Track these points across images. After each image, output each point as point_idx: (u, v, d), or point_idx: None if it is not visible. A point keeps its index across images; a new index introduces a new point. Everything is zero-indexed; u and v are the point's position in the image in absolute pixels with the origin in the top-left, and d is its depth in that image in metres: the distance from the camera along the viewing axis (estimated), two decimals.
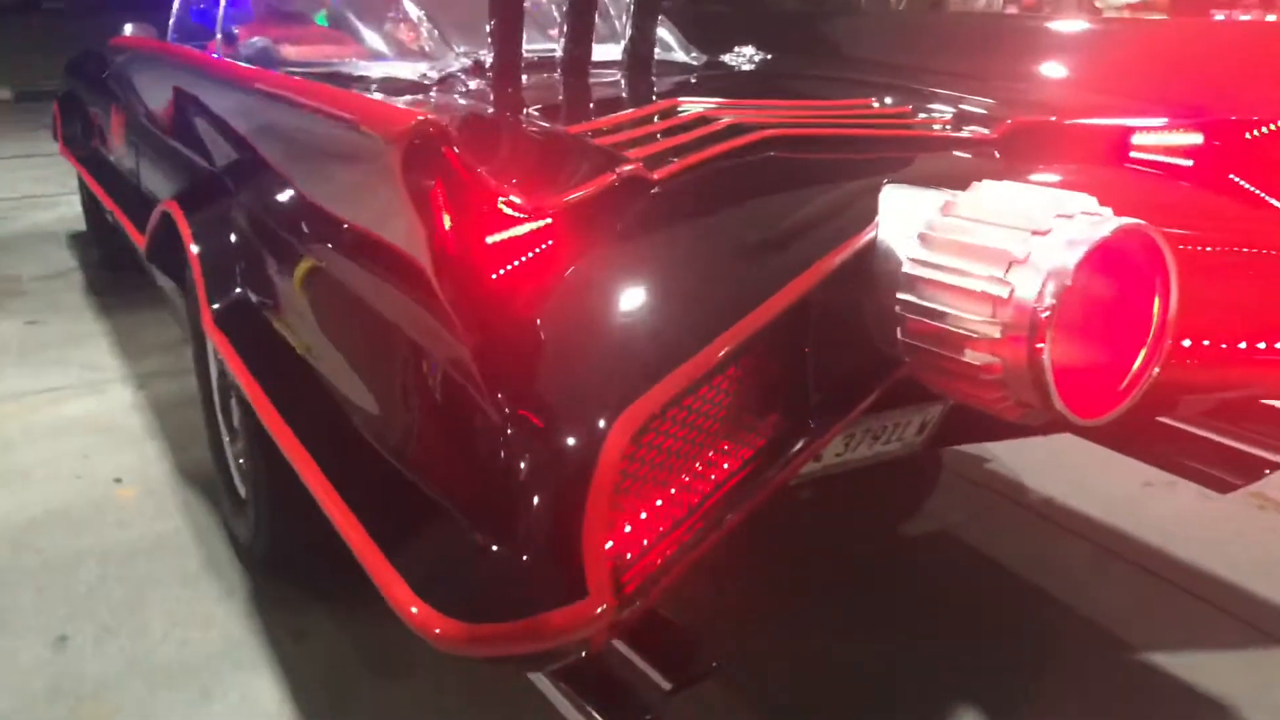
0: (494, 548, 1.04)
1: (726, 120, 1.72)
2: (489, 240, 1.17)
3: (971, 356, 1.25)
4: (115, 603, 2.13)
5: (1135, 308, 1.33)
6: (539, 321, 1.15)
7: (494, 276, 1.16)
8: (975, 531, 2.42)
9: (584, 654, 1.07)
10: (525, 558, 1.01)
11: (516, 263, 1.18)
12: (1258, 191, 1.81)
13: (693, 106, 1.87)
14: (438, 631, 1.00)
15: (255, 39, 3.09)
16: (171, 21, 3.64)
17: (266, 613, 2.09)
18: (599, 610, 0.99)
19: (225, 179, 2.14)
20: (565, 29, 2.52)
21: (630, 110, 2.10)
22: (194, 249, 2.02)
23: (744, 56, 3.09)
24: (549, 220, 1.25)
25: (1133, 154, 1.85)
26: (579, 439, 1.04)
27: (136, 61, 3.47)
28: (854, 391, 1.41)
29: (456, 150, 1.15)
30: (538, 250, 1.21)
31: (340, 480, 1.32)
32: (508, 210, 1.21)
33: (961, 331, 1.25)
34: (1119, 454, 2.09)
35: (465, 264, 1.15)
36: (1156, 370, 1.34)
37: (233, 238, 1.98)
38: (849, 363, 1.44)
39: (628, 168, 1.41)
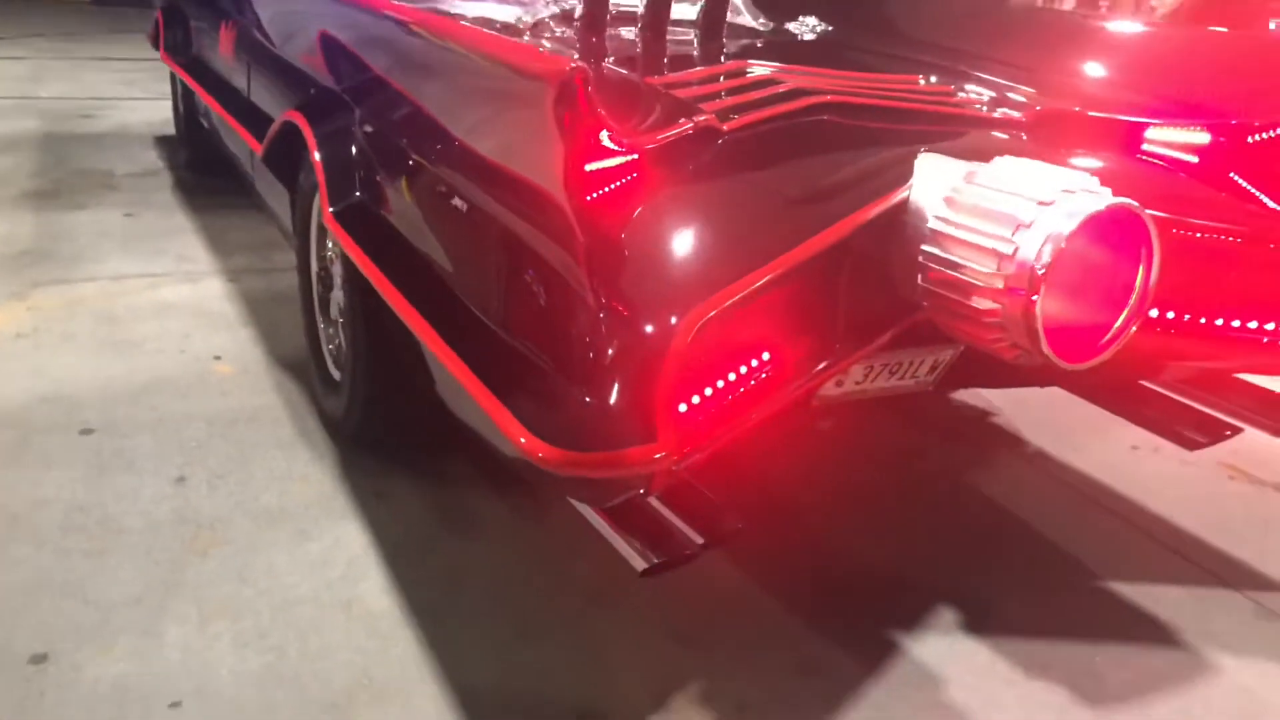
0: (587, 399, 1.34)
1: (789, 84, 1.99)
2: (598, 165, 1.46)
3: (977, 302, 1.53)
4: (222, 456, 2.47)
5: (1122, 274, 1.60)
6: (633, 232, 1.45)
7: (600, 194, 1.45)
8: (976, 473, 2.72)
9: (643, 490, 1.38)
10: (612, 406, 1.32)
11: (617, 185, 1.48)
12: (1251, 188, 2.06)
13: (758, 69, 2.15)
14: (541, 455, 1.31)
15: None
16: None
17: (353, 476, 2.42)
18: (662, 454, 1.30)
19: (349, 96, 2.43)
20: None
21: (702, 68, 2.36)
22: (317, 155, 2.32)
23: (806, 26, 3.34)
24: (641, 155, 1.54)
25: (1145, 146, 2.10)
26: (659, 323, 1.34)
27: None
28: (877, 325, 1.70)
29: (589, 91, 1.45)
30: (633, 177, 1.51)
31: (459, 345, 1.63)
32: (612, 145, 1.50)
33: (971, 281, 1.53)
34: (1110, 417, 2.37)
35: (579, 181, 1.44)
36: (1134, 329, 1.61)
37: (354, 148, 2.28)
38: (875, 300, 1.71)
39: (702, 118, 1.70)
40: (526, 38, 2.69)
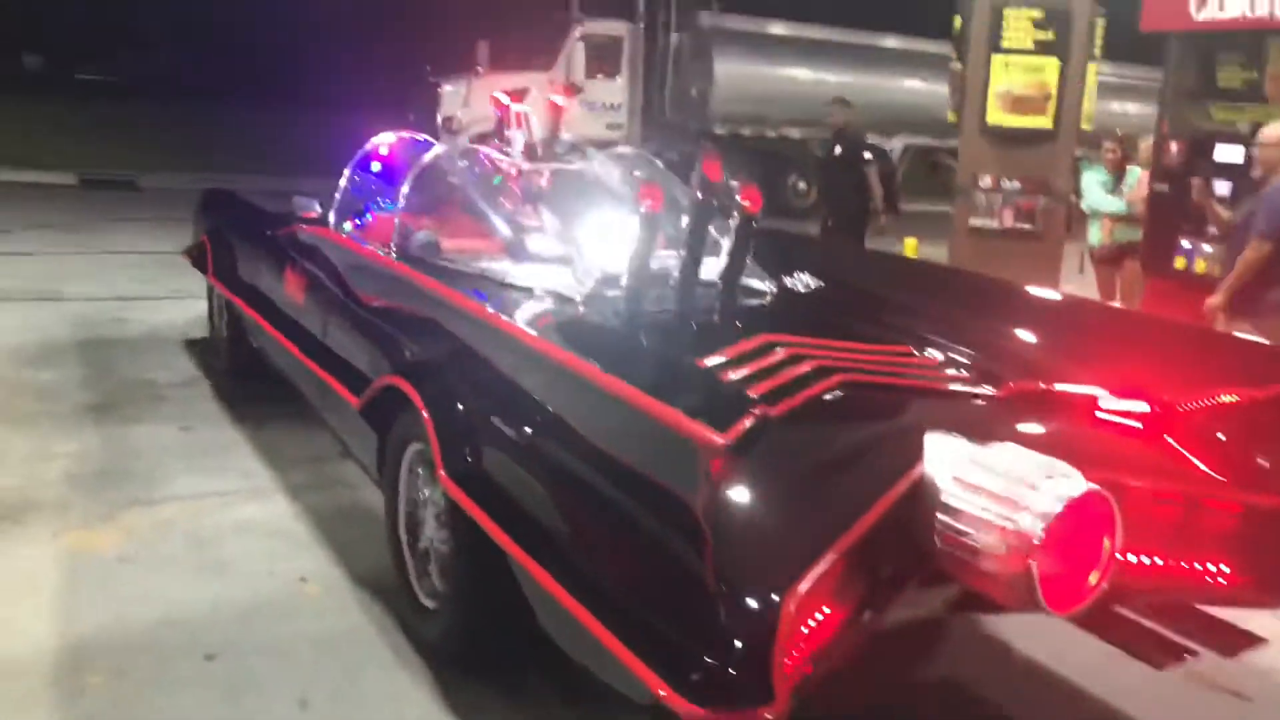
0: (712, 660, 1.83)
1: (811, 365, 2.54)
2: (709, 474, 1.98)
3: (985, 564, 2.00)
4: (334, 678, 2.86)
5: (1093, 539, 2.08)
6: (741, 516, 1.97)
7: (710, 489, 1.98)
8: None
9: None
10: (736, 671, 1.79)
11: (722, 480, 2.00)
12: (1182, 449, 2.57)
13: (780, 345, 2.69)
14: (683, 710, 1.78)
15: (421, 234, 3.97)
16: (335, 206, 4.55)
17: (453, 694, 2.82)
18: (779, 713, 1.76)
19: (463, 372, 2.98)
20: (685, 250, 3.32)
21: (736, 343, 2.77)
22: (429, 419, 2.83)
23: (801, 281, 3.94)
24: (728, 443, 2.03)
25: (1098, 414, 2.62)
26: (767, 599, 1.83)
27: (330, 248, 4.33)
28: (908, 571, 2.17)
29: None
30: (726, 471, 2.01)
31: (590, 602, 2.12)
32: (713, 448, 2.01)
33: (980, 548, 2.00)
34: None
35: (701, 487, 1.97)
36: (1105, 585, 2.09)
37: (468, 419, 2.80)
38: (906, 552, 2.16)
39: (762, 410, 2.16)
40: (582, 309, 3.23)
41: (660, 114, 16.71)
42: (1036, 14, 6.76)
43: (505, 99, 4.62)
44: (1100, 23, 7.02)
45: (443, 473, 2.71)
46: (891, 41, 17.72)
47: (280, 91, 30.72)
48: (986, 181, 7.33)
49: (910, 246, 7.77)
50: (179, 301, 7.31)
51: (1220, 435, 2.56)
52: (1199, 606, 2.65)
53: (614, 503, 2.30)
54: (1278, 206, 4.81)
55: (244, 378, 5.44)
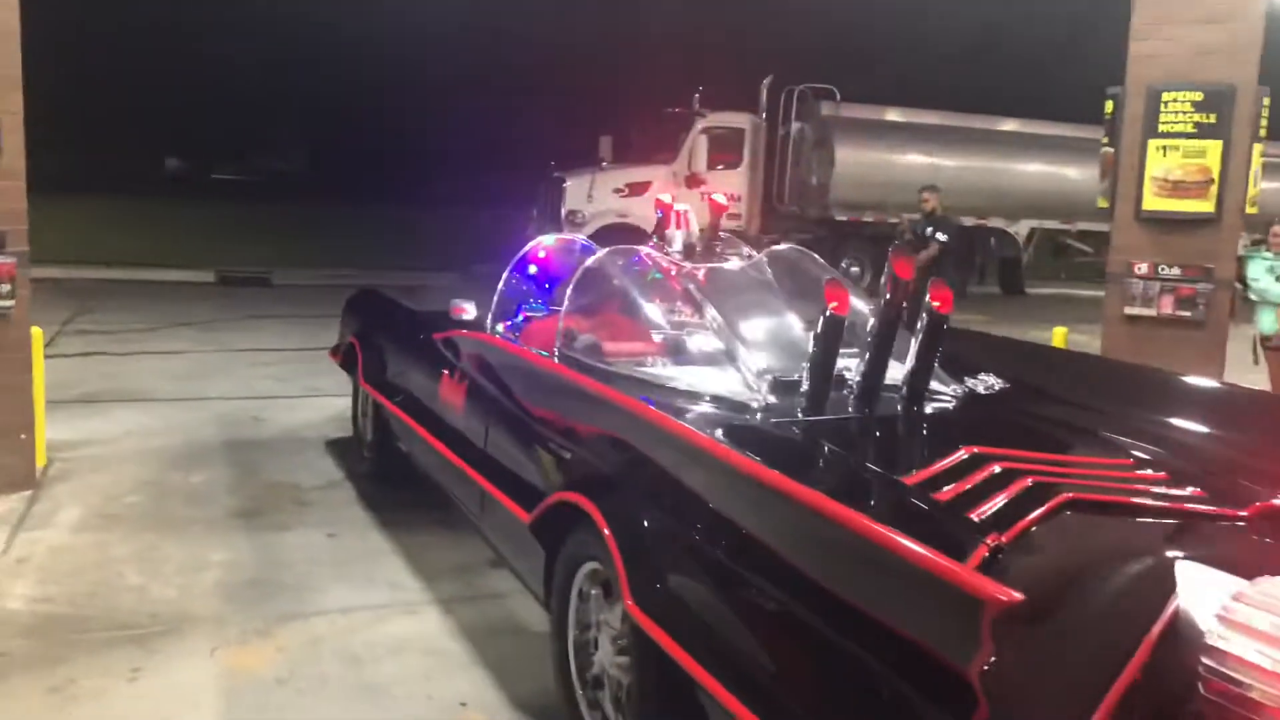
0: None
1: (1028, 482, 2.33)
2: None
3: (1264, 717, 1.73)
4: None
5: None
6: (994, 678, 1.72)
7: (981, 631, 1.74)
8: None
9: None
10: None
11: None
12: None
13: (988, 458, 2.49)
14: None
15: (584, 336, 3.86)
16: (493, 308, 4.54)
17: None
18: None
19: (643, 484, 2.80)
20: (870, 352, 3.18)
21: (941, 460, 2.58)
22: (614, 539, 2.65)
23: (984, 384, 3.69)
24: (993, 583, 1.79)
25: None
26: None
27: (492, 352, 4.22)
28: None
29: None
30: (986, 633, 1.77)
31: None
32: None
33: (1257, 700, 1.73)
34: None
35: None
36: None
37: (648, 529, 2.62)
38: (1169, 704, 1.86)
39: (995, 543, 1.97)
40: (758, 418, 3.06)
41: (779, 203, 16.68)
42: (1197, 96, 6.44)
43: (667, 198, 4.61)
44: (1265, 101, 6.66)
45: (629, 599, 2.53)
46: (1009, 125, 17.43)
47: (408, 190, 32.03)
48: (1143, 268, 6.96)
49: (1059, 335, 7.40)
50: (313, 400, 7.42)
51: None
52: None
53: (824, 634, 2.09)
54: None
55: (386, 482, 5.41)
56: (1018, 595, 1.72)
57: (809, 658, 2.16)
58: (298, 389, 7.87)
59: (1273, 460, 2.75)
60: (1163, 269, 7.03)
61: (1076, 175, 16.01)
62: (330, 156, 44.10)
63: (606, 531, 2.68)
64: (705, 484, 2.60)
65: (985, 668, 1.72)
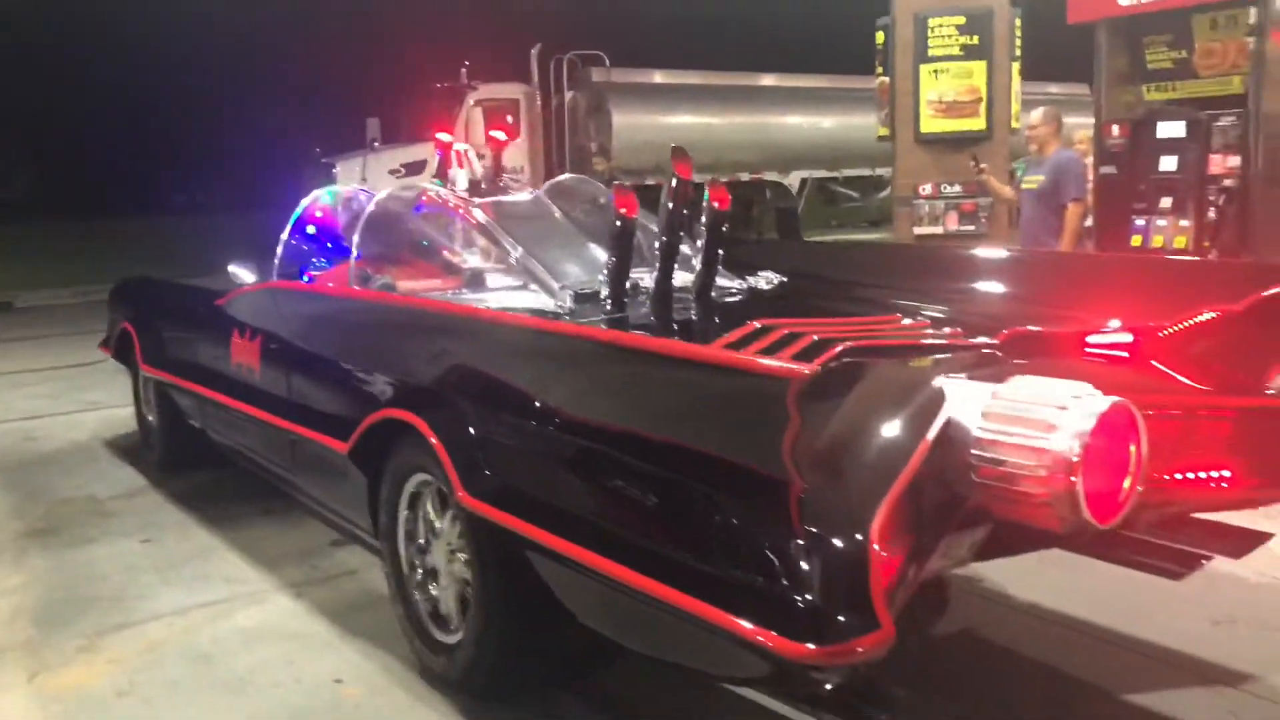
0: (810, 599, 1.77)
1: (813, 337, 2.40)
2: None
3: (1027, 488, 1.91)
4: None
5: (1123, 450, 2.00)
6: (801, 462, 1.88)
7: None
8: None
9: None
10: (846, 607, 1.76)
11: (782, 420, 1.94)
12: (1169, 371, 2.60)
13: (774, 327, 2.52)
14: (799, 651, 1.73)
15: (380, 277, 3.78)
16: (277, 262, 4.34)
17: None
18: (889, 637, 1.72)
19: (471, 394, 2.76)
20: (659, 265, 3.36)
21: (734, 331, 2.58)
22: (441, 444, 2.63)
23: (766, 279, 3.90)
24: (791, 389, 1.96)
25: (1088, 348, 2.66)
26: (854, 536, 1.77)
27: (288, 298, 4.07)
28: (949, 515, 2.04)
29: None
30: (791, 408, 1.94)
31: (666, 577, 1.98)
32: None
33: (1020, 473, 1.91)
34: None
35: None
36: (1140, 488, 2.02)
37: (473, 432, 2.61)
38: (945, 496, 2.03)
39: (803, 369, 2.03)
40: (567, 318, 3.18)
41: (560, 172, 16.59)
42: (960, 20, 6.80)
43: (446, 138, 4.55)
44: (1017, 22, 7.12)
45: (462, 491, 2.52)
46: (768, 80, 18.00)
47: (163, 200, 30.03)
48: (927, 189, 7.32)
49: None
50: (95, 413, 6.78)
51: (1200, 351, 2.64)
52: (1197, 516, 2.59)
53: (663, 473, 2.16)
54: (1078, 173, 5.74)
55: (179, 468, 5.11)
56: (815, 366, 1.97)
57: (634, 492, 2.23)
58: (73, 404, 7.15)
59: (1021, 302, 3.20)
60: (945, 188, 7.40)
61: (833, 125, 16.77)
62: (65, 174, 40.62)
63: (433, 440, 2.67)
64: (522, 368, 2.68)
65: (795, 442, 1.91)
